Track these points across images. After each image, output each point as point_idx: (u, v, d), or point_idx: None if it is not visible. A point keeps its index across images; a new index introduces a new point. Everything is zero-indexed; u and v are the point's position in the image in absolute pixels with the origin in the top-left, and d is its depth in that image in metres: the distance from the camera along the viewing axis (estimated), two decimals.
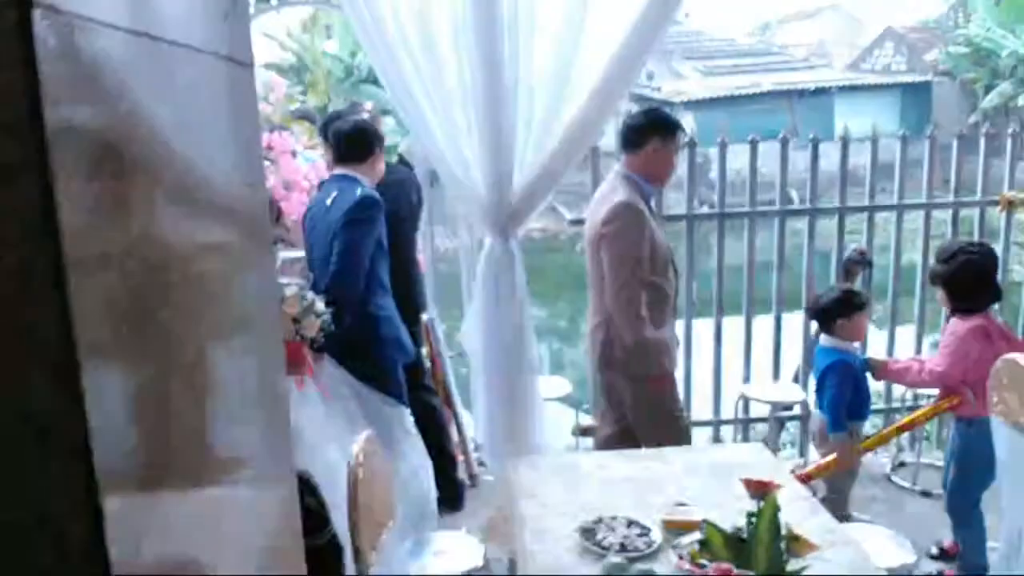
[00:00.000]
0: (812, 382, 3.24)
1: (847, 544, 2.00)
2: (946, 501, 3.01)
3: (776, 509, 1.66)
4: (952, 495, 2.95)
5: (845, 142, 4.01)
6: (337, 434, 2.44)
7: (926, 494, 3.63)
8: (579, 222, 3.45)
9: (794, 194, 4.39)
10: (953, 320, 3.00)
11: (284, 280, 2.48)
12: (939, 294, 3.04)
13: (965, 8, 20.57)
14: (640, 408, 2.92)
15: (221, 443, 0.87)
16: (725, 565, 1.64)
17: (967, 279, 2.90)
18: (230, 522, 0.90)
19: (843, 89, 19.73)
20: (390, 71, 2.62)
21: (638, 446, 2.83)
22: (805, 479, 2.93)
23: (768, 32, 29.71)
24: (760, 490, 1.73)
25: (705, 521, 1.74)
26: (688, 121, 19.20)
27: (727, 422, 4.00)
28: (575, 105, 2.66)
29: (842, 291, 3.09)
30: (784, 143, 3.95)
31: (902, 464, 3.97)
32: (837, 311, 2.95)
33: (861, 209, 4.14)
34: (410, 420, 2.81)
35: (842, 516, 2.85)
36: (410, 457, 2.75)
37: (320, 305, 2.55)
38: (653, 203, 3.01)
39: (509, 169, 2.65)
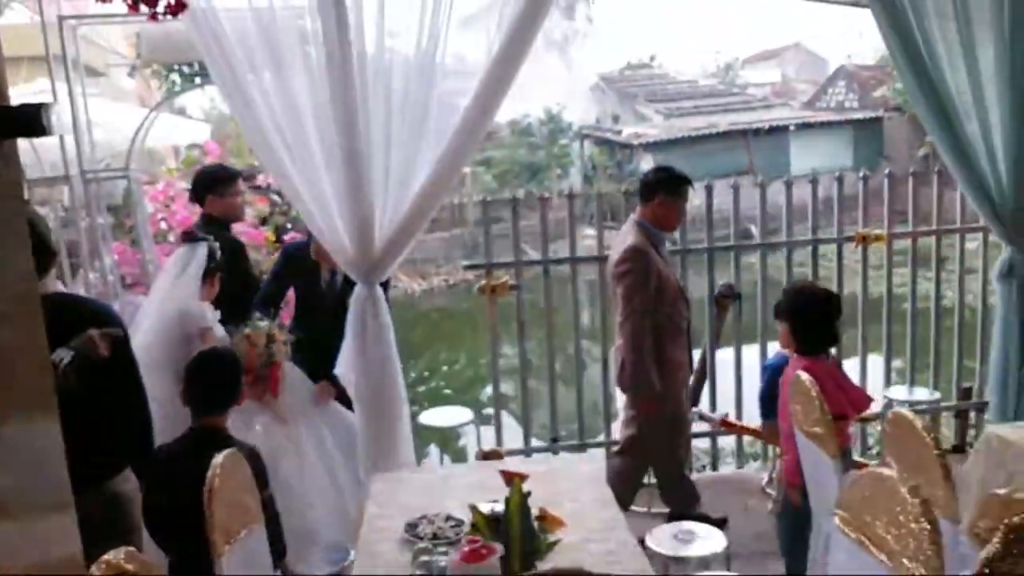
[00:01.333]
0: None
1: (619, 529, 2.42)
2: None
3: (521, 493, 2.06)
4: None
5: (788, 183, 4.50)
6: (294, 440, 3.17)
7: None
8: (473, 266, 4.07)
9: (754, 229, 4.75)
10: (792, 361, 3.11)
11: None
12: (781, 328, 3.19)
13: None
14: (639, 421, 3.54)
15: None
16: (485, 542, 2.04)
17: (807, 322, 3.04)
18: None
19: (799, 127, 20.46)
20: (262, 146, 3.07)
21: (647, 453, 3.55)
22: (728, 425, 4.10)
23: (732, 72, 30.61)
24: (510, 479, 2.13)
25: (471, 506, 2.15)
26: (648, 162, 19.82)
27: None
28: (424, 170, 3.11)
29: None
30: (735, 187, 4.48)
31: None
32: None
33: (807, 242, 4.56)
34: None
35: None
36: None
37: (277, 330, 3.23)
38: (665, 245, 3.69)
39: (370, 226, 3.09)
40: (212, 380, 2.66)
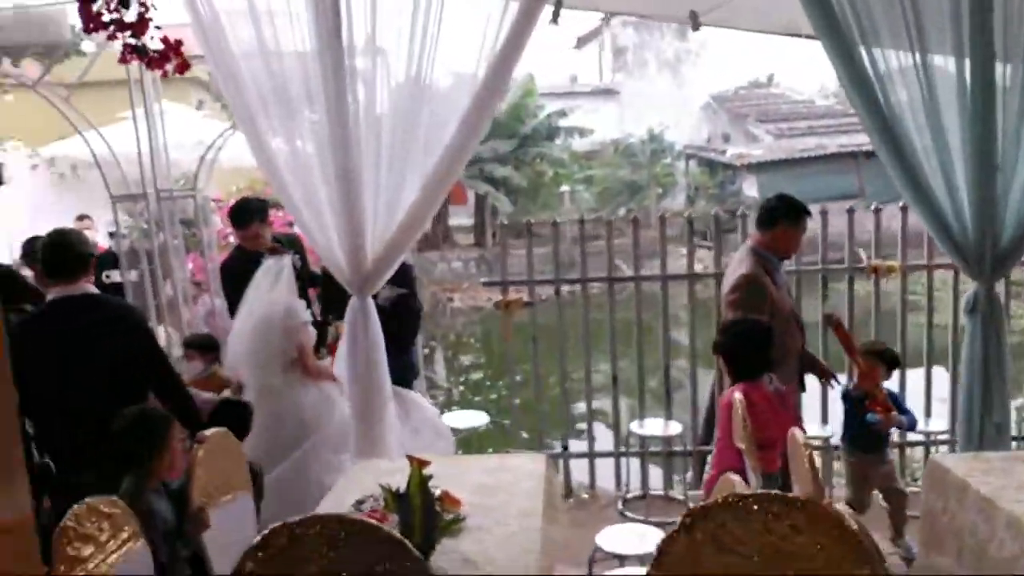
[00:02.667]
0: None
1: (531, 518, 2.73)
2: None
3: (420, 476, 2.42)
4: None
5: (904, 208, 4.34)
6: None
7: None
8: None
9: (862, 253, 4.79)
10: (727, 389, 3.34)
11: None
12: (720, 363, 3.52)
13: None
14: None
15: None
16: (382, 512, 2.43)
17: (739, 351, 3.30)
18: None
19: None
20: (271, 172, 3.57)
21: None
22: None
23: None
24: (418, 464, 2.49)
25: (381, 485, 2.53)
26: (751, 184, 19.58)
27: None
28: (412, 191, 3.52)
29: None
30: (850, 211, 4.59)
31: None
32: None
33: (920, 267, 4.61)
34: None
35: None
36: None
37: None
38: (781, 271, 3.77)
39: (363, 243, 3.53)
40: None
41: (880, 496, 3.71)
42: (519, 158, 18.91)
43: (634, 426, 4.72)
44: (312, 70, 3.38)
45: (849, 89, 3.38)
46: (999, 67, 3.27)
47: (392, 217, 3.53)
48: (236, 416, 3.31)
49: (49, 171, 10.64)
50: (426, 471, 2.45)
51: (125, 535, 2.42)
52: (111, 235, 5.63)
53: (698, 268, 4.99)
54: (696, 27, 4.80)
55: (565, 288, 4.96)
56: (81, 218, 7.66)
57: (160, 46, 2.97)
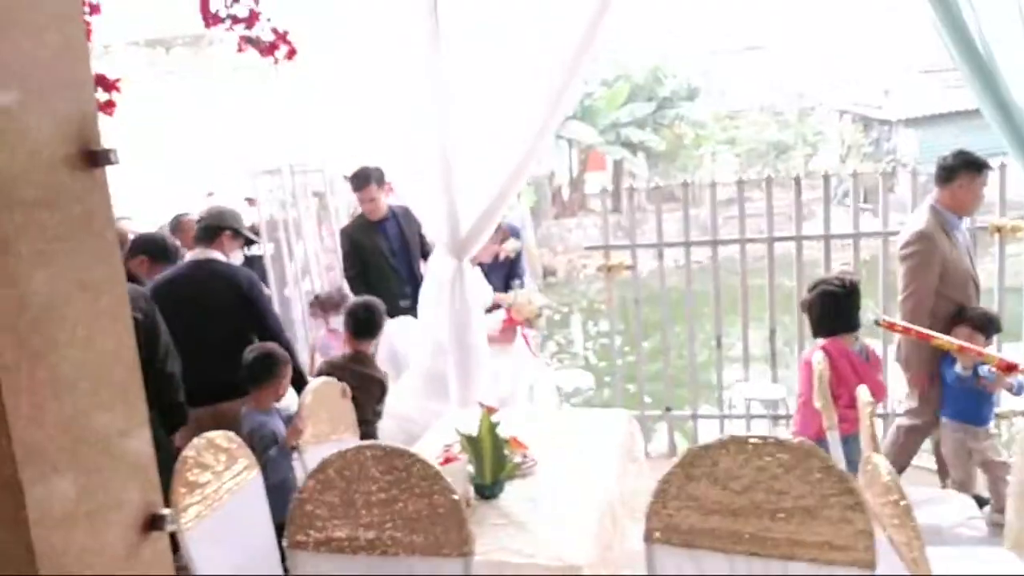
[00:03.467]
0: None
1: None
2: None
3: (489, 422, 2.64)
4: None
5: None
6: None
7: None
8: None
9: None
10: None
11: None
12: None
13: None
14: (913, 397, 3.75)
15: None
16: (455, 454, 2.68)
17: (820, 308, 3.34)
18: None
19: None
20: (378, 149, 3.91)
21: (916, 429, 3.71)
22: None
23: None
24: (488, 411, 2.72)
25: (456, 430, 2.78)
26: (910, 139, 18.34)
27: None
28: (500, 162, 3.71)
29: None
30: (1002, 168, 4.32)
31: None
32: None
33: None
34: None
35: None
36: None
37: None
38: (961, 229, 3.73)
39: (456, 211, 3.79)
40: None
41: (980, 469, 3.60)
42: (658, 121, 18.65)
43: (738, 388, 4.74)
44: (411, 53, 3.63)
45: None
46: None
47: (482, 186, 3.75)
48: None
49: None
50: (496, 418, 2.68)
51: (240, 467, 2.81)
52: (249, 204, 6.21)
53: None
54: None
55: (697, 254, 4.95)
56: (209, 194, 8.39)
57: (271, 36, 3.31)
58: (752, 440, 1.75)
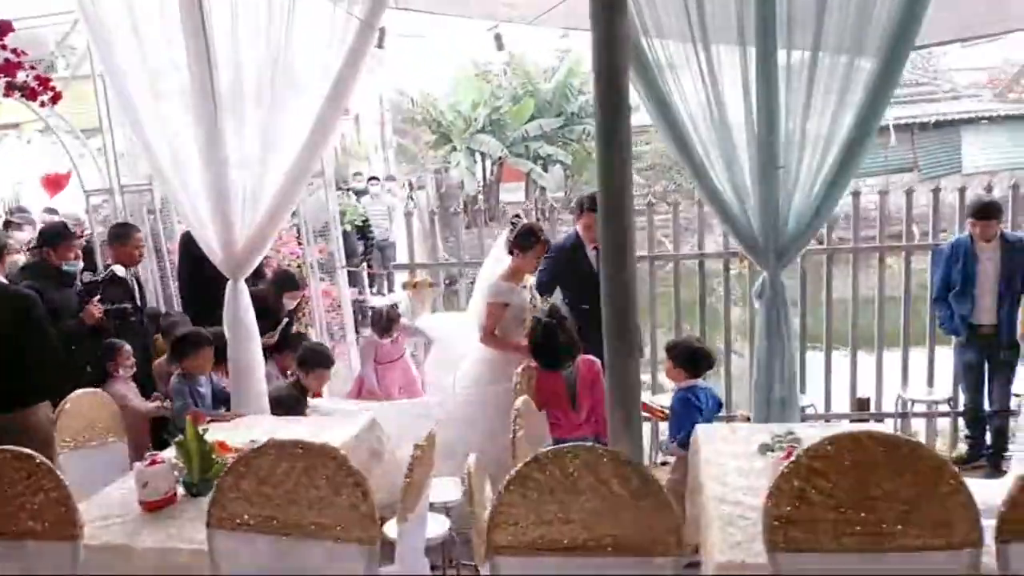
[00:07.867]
0: None
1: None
2: None
3: (196, 432, 2.97)
4: None
5: (962, 190, 4.94)
6: None
7: None
8: None
9: (915, 229, 4.98)
10: None
11: None
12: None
13: None
14: None
15: None
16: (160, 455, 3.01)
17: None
18: None
19: (973, 121, 18.81)
20: (156, 168, 4.18)
21: None
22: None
23: (942, 57, 27.89)
24: (192, 419, 3.05)
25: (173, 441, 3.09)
26: None
27: None
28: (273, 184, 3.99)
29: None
30: (908, 192, 4.99)
31: None
32: None
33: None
34: None
35: None
36: None
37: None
38: None
39: (232, 231, 4.07)
40: None
41: None
42: (565, 136, 19.19)
43: None
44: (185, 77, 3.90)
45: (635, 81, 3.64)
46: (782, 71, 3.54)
47: (257, 207, 4.04)
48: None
49: None
50: (203, 426, 3.05)
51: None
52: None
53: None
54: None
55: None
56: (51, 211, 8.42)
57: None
58: None
